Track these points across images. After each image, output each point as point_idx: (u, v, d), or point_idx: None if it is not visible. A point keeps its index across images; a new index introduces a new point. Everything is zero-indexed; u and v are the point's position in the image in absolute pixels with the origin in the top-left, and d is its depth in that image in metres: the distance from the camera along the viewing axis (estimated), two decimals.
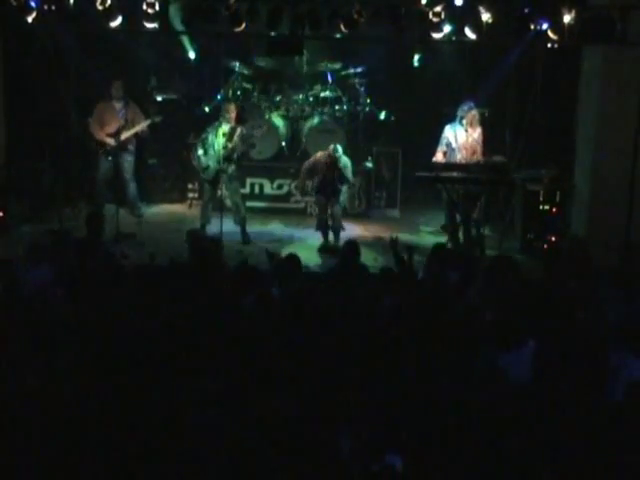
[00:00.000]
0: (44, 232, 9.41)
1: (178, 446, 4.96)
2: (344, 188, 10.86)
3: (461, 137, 10.48)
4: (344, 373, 5.83)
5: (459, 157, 10.44)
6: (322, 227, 10.80)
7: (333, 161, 10.51)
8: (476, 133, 10.51)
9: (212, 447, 4.93)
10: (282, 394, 5.52)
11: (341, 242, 10.22)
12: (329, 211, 10.75)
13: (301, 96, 12.78)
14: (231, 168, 10.71)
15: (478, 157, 10.41)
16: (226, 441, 4.93)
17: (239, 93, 12.76)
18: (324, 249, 10.60)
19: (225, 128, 10.65)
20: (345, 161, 10.63)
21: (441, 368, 5.86)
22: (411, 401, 5.46)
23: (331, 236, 10.76)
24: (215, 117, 11.02)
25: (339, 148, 10.60)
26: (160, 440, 5.01)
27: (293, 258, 7.94)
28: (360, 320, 6.69)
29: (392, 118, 12.91)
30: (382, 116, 12.92)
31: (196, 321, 6.54)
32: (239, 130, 10.71)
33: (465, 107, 10.49)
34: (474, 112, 10.51)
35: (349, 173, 10.70)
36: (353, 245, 8.36)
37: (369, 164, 12.39)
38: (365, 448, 4.87)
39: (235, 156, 10.66)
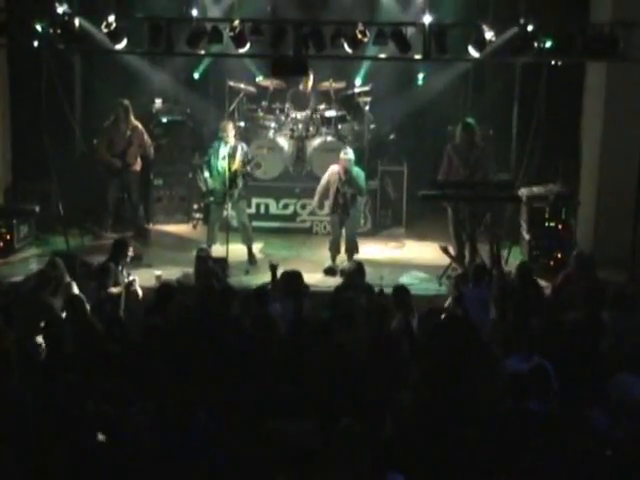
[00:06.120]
0: (49, 254, 9.44)
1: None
2: (359, 201, 10.75)
3: (465, 155, 10.47)
4: (344, 391, 5.84)
5: (463, 175, 10.43)
6: (333, 248, 10.73)
7: (345, 169, 10.45)
8: (480, 151, 10.50)
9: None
10: (286, 413, 5.52)
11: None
12: (342, 232, 10.70)
13: (305, 115, 12.77)
14: (237, 190, 10.71)
15: (482, 175, 10.40)
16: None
17: (244, 113, 12.77)
18: (329, 271, 10.53)
19: (226, 149, 10.56)
20: (357, 171, 10.62)
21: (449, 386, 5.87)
22: (412, 421, 5.45)
23: (344, 258, 10.62)
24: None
25: (349, 151, 10.64)
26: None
27: (296, 274, 8.01)
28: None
29: (396, 137, 12.92)
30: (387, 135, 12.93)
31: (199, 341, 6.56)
32: (239, 149, 10.66)
33: (468, 125, 10.49)
34: (477, 130, 10.52)
35: (362, 182, 10.62)
36: (359, 266, 8.47)
37: (374, 183, 12.37)
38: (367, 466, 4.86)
39: (240, 179, 10.65)
